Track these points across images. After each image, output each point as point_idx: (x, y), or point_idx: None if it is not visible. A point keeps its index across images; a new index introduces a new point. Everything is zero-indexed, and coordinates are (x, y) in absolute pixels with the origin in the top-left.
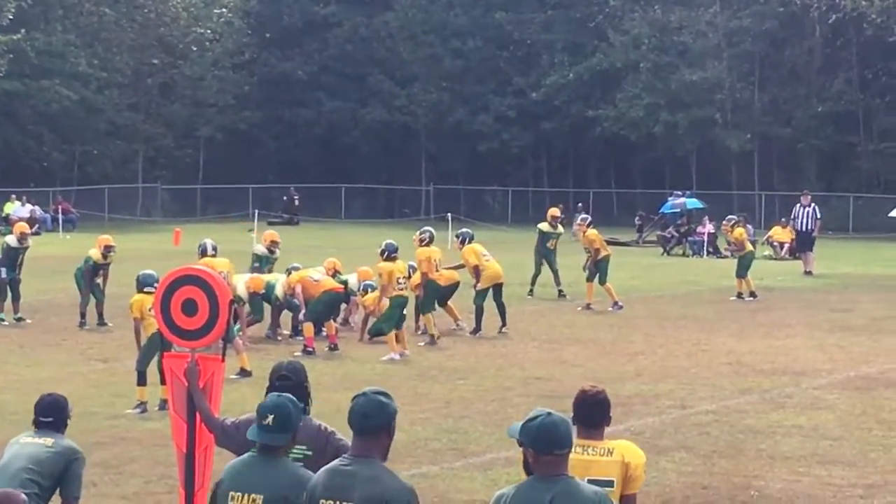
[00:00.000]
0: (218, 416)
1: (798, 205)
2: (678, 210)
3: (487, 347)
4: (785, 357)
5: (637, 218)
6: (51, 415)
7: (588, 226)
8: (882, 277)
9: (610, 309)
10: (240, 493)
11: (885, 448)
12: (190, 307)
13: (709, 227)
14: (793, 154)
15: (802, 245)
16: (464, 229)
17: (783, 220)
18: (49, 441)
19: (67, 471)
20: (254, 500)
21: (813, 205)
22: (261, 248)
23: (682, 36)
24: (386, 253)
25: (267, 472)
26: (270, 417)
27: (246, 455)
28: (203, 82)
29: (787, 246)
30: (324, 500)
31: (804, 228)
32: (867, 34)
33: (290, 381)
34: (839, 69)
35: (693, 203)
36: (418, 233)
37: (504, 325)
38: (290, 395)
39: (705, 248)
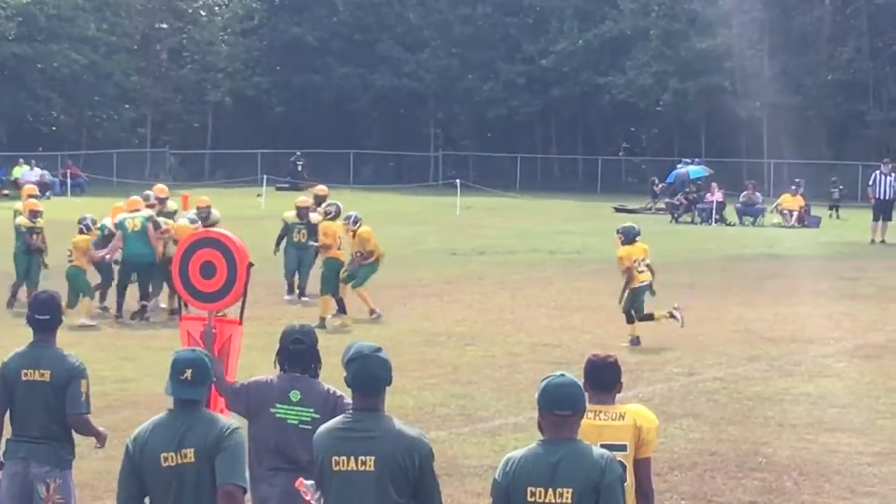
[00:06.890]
0: (234, 379)
1: (878, 172)
2: (683, 180)
3: (495, 314)
4: (793, 325)
5: (654, 185)
6: (47, 312)
7: (356, 225)
8: (891, 246)
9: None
10: (173, 452)
11: (893, 415)
12: (208, 270)
13: (717, 195)
14: (802, 122)
15: (880, 212)
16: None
17: (792, 187)
18: (46, 374)
19: (67, 392)
20: (185, 455)
21: (894, 174)
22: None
23: (691, 3)
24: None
25: (196, 425)
26: (189, 372)
27: (165, 413)
28: (212, 47)
29: (795, 213)
30: (337, 457)
31: (884, 197)
32: (877, 2)
33: (303, 344)
34: (849, 37)
35: (696, 172)
36: (324, 205)
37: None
38: (203, 350)
39: (713, 216)
